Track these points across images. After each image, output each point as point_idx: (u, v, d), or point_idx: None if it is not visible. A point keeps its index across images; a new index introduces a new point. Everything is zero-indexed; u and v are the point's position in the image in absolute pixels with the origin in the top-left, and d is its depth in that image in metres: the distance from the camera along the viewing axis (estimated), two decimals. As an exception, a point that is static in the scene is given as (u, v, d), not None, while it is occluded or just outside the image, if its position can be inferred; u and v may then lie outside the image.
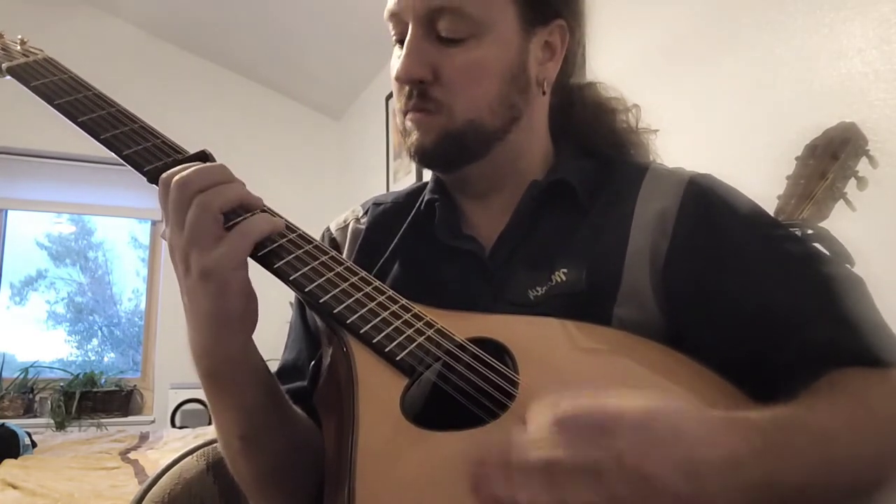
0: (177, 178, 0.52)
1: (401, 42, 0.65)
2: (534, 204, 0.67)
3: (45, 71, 0.64)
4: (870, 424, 0.46)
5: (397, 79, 0.64)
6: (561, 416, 0.39)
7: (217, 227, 0.51)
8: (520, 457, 0.39)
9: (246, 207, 0.54)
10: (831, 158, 1.07)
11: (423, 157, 0.65)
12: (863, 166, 1.08)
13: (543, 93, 0.68)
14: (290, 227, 0.57)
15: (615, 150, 0.73)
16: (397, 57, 0.65)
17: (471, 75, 0.63)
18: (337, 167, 4.10)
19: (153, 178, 0.55)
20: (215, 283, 0.50)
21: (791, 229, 0.64)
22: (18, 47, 0.69)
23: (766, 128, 1.44)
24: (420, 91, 0.63)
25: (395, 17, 0.65)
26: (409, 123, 0.66)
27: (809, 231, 1.01)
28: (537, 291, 0.61)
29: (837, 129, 1.09)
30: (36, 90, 0.62)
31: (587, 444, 0.38)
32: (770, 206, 1.08)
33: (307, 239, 0.57)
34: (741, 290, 0.57)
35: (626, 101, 0.76)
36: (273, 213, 0.57)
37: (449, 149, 0.64)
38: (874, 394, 0.49)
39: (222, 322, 0.52)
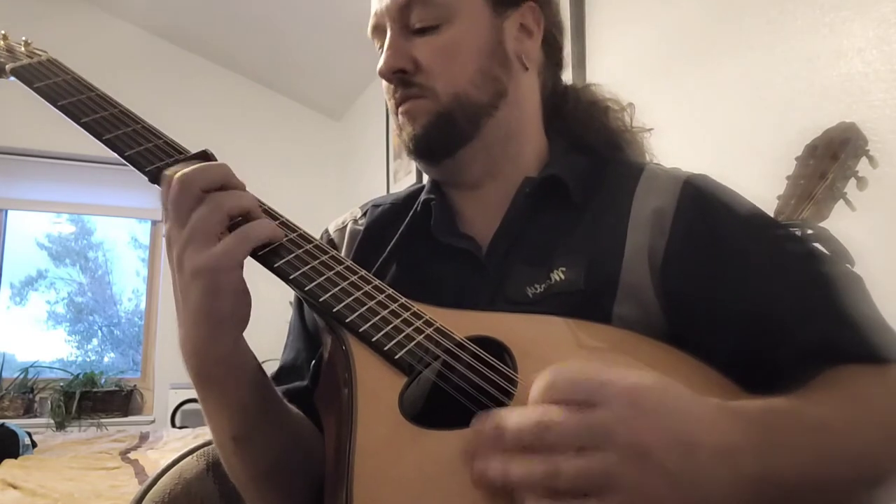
0: (179, 174, 0.52)
1: None
2: (528, 201, 0.67)
3: (48, 72, 0.64)
4: (866, 418, 0.47)
5: (380, 74, 0.67)
6: (552, 379, 0.40)
7: (222, 227, 0.51)
8: (509, 420, 0.39)
9: (252, 216, 0.54)
10: (831, 158, 1.07)
11: (419, 144, 0.67)
12: (863, 166, 1.08)
13: (526, 68, 0.70)
14: (291, 227, 0.57)
15: (609, 147, 0.74)
16: None
17: (447, 54, 0.66)
18: (337, 167, 4.10)
19: (155, 179, 0.55)
20: (207, 281, 0.50)
21: (790, 229, 0.64)
22: (22, 48, 0.70)
23: (766, 128, 1.44)
24: (404, 81, 0.66)
25: (377, 29, 0.69)
26: (401, 118, 0.68)
27: (809, 231, 1.01)
28: (536, 289, 0.61)
29: (837, 129, 1.09)
30: (39, 91, 0.62)
31: (580, 402, 0.38)
32: (770, 206, 1.08)
33: (307, 238, 0.57)
34: (739, 288, 0.57)
35: (620, 101, 0.76)
36: (270, 211, 0.57)
37: (440, 130, 0.66)
38: (871, 388, 0.49)
39: (213, 321, 0.51)
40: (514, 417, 0.40)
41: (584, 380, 0.40)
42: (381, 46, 0.68)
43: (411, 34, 0.66)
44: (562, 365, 0.41)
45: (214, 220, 0.51)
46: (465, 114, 0.66)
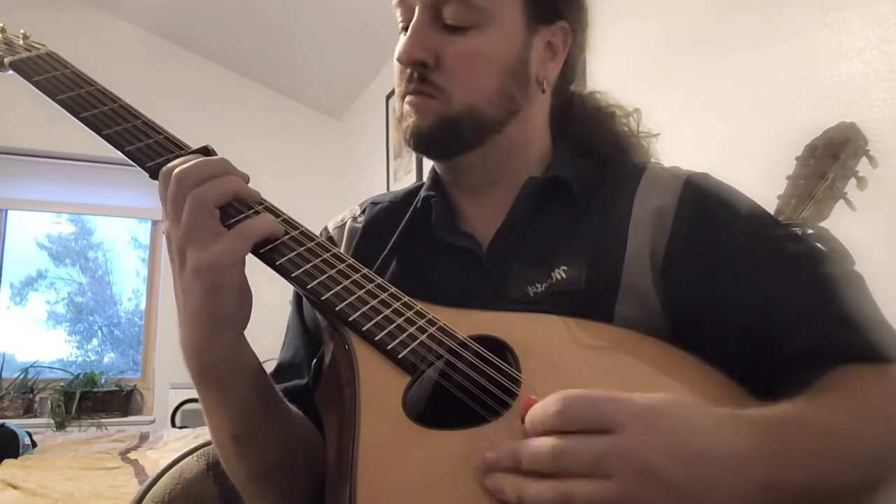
0: (176, 171, 0.52)
1: (407, 29, 0.65)
2: (530, 200, 0.67)
3: (47, 66, 0.63)
4: (873, 421, 0.46)
5: (399, 60, 0.65)
6: (565, 405, 0.40)
7: (213, 222, 0.51)
8: (526, 449, 0.40)
9: (241, 201, 0.54)
10: (831, 158, 1.07)
11: (419, 140, 0.65)
12: (863, 166, 1.08)
13: (543, 91, 0.69)
14: (293, 224, 0.57)
15: (614, 151, 0.73)
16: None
17: (471, 63, 0.63)
18: (337, 167, 4.10)
19: (156, 175, 0.55)
20: (209, 279, 0.49)
21: (790, 228, 0.64)
22: (21, 42, 0.68)
23: (766, 128, 1.44)
24: (420, 75, 0.64)
25: (404, 3, 0.66)
26: (406, 107, 0.66)
27: (809, 231, 1.02)
28: (537, 288, 0.61)
29: (837, 129, 1.09)
30: (38, 85, 0.61)
31: (591, 429, 0.39)
32: (770, 206, 1.08)
33: (310, 236, 0.57)
34: (741, 288, 0.57)
35: (626, 107, 0.76)
36: (272, 208, 0.57)
37: (444, 134, 0.64)
38: (876, 390, 0.49)
39: (215, 319, 0.51)
40: (530, 444, 0.40)
41: (596, 406, 0.40)
42: (403, 22, 0.66)
43: (440, 26, 0.63)
44: (573, 391, 0.41)
45: (201, 215, 0.50)
46: (472, 126, 0.65)
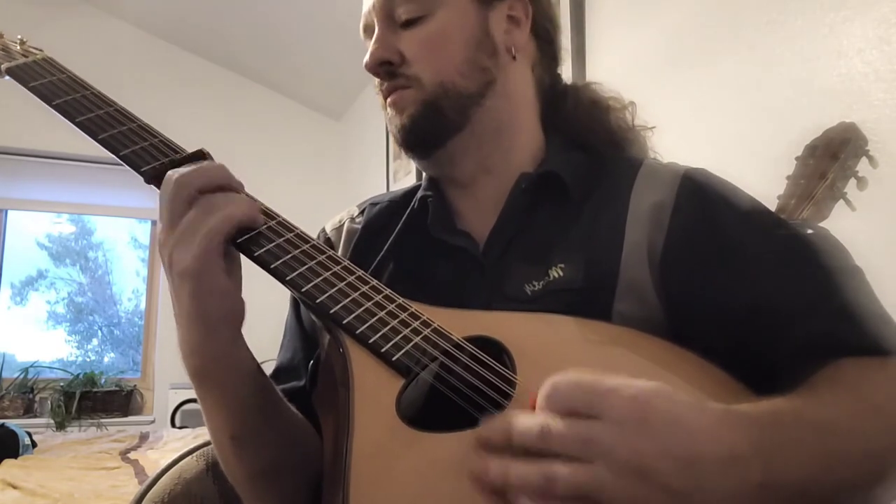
0: (176, 176, 0.51)
1: None
2: (524, 197, 0.67)
3: (43, 71, 0.63)
4: (871, 416, 0.46)
5: (367, 68, 0.67)
6: (555, 387, 0.40)
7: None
8: (516, 425, 0.40)
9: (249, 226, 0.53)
10: (831, 158, 1.07)
11: (407, 136, 0.67)
12: (863, 166, 1.08)
13: (514, 57, 0.69)
14: (288, 226, 0.57)
15: (610, 146, 0.73)
16: None
17: (432, 44, 0.66)
18: (337, 167, 4.10)
19: (150, 179, 0.55)
20: (191, 283, 0.49)
21: (788, 222, 0.64)
22: (18, 47, 0.69)
23: (766, 128, 1.44)
24: (390, 73, 0.67)
25: (368, 28, 0.69)
26: (389, 111, 0.68)
27: (809, 231, 1.01)
28: (534, 286, 0.61)
29: (837, 129, 1.09)
30: (35, 90, 0.61)
31: (578, 412, 0.39)
32: (770, 207, 1.08)
33: (304, 238, 0.57)
34: (739, 282, 0.57)
35: (622, 99, 0.76)
36: (270, 213, 0.56)
37: (427, 119, 0.66)
38: (874, 384, 0.48)
39: (206, 322, 0.51)
40: (519, 421, 0.40)
41: (586, 390, 0.39)
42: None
43: (398, 28, 0.66)
44: (566, 372, 0.40)
45: (211, 252, 0.49)
46: (451, 103, 0.66)
